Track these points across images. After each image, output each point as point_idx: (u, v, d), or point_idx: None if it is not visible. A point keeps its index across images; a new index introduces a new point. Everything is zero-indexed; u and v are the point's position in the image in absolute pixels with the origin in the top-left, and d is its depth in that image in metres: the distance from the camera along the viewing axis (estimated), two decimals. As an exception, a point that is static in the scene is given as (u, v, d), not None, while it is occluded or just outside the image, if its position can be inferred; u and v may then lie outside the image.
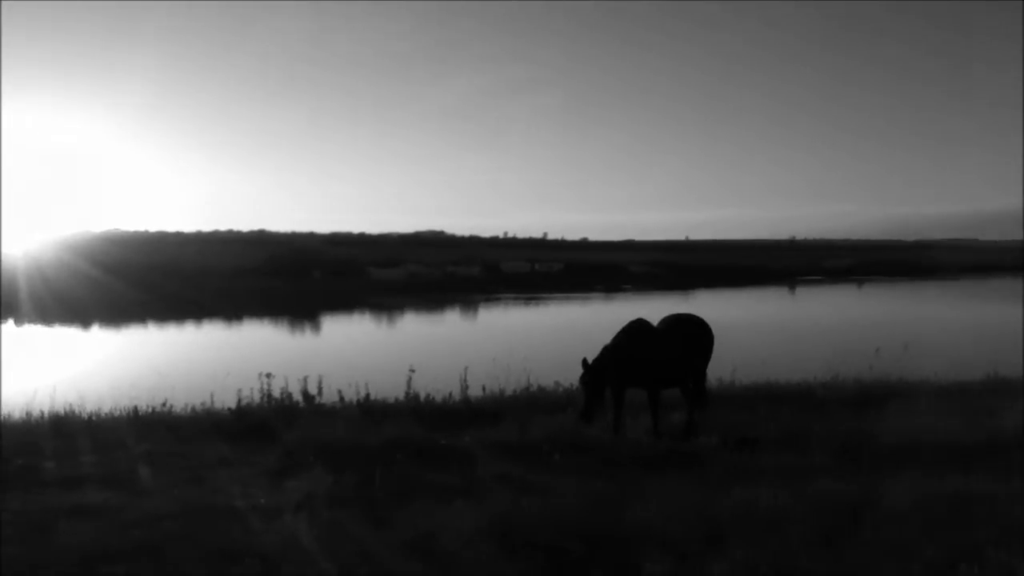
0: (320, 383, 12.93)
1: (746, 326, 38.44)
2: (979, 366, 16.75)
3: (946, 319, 44.66)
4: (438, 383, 13.77)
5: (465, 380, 13.49)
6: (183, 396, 13.73)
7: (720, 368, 14.21)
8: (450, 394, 13.44)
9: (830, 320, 44.94)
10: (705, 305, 59.82)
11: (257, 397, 12.72)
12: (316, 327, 45.95)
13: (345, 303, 60.03)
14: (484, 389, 13.68)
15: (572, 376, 11.11)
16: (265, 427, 10.93)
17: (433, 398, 13.15)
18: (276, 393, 12.74)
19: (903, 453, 8.51)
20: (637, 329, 10.75)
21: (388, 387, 13.56)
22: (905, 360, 16.83)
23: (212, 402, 13.07)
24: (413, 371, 13.03)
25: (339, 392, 12.90)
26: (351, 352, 31.14)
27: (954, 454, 8.55)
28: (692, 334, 11.28)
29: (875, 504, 6.67)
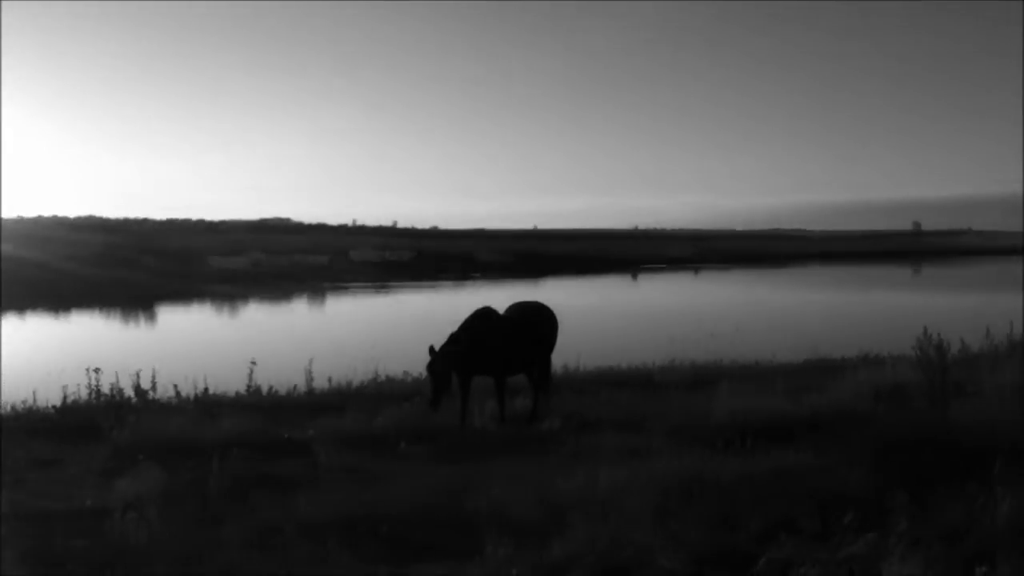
0: (154, 378, 12.31)
1: (591, 313, 39.53)
2: (802, 348, 17.95)
3: (775, 304, 47.47)
4: (282, 375, 13.45)
5: (310, 372, 13.23)
6: (2, 394, 12.78)
7: (565, 354, 14.57)
8: (295, 386, 13.14)
9: (670, 306, 46.86)
10: (553, 293, 61.10)
11: (84, 394, 12.04)
12: (151, 319, 43.73)
13: (183, 293, 57.36)
14: (330, 380, 13.47)
15: (420, 365, 11.11)
16: (93, 425, 10.33)
17: (276, 391, 12.82)
18: (105, 389, 12.08)
19: (732, 431, 8.97)
20: (483, 317, 10.86)
21: (229, 381, 13.12)
22: (736, 343, 17.84)
23: (35, 400, 12.24)
24: (255, 364, 12.66)
25: (175, 387, 12.35)
26: (189, 345, 29.78)
27: (778, 430, 9.10)
28: (537, 321, 11.51)
29: (705, 480, 7.03)
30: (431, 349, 10.28)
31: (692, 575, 5.34)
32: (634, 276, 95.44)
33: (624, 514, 6.12)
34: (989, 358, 13.21)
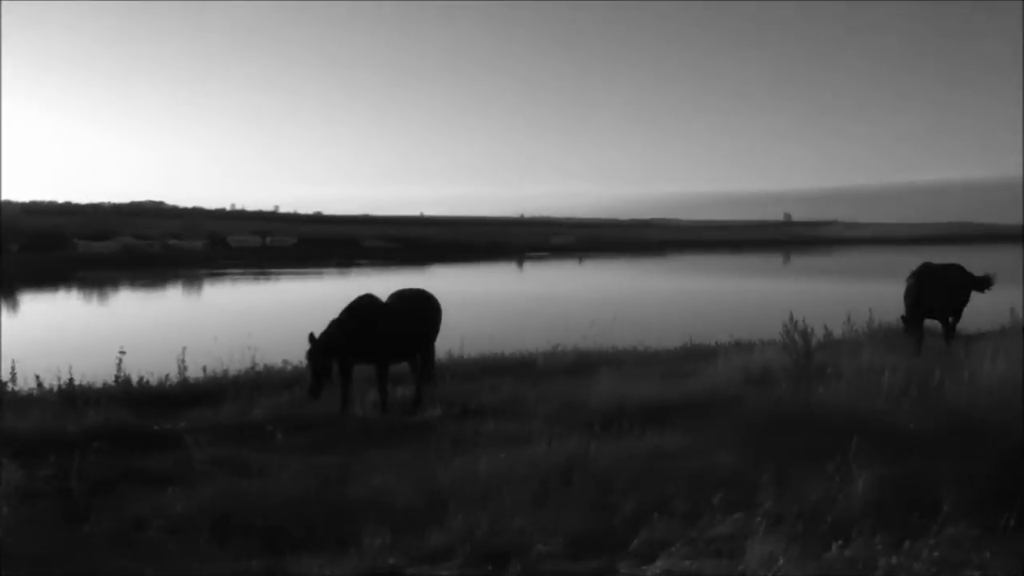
0: (13, 368, 11.64)
1: (477, 300, 39.62)
2: (679, 333, 18.50)
3: (655, 291, 48.75)
4: (154, 365, 12.89)
5: (183, 361, 12.74)
6: None
7: (449, 341, 14.56)
8: (167, 376, 12.62)
9: (554, 293, 47.45)
10: (438, 280, 60.93)
11: (-65, 386, 11.24)
12: (12, 306, 41.24)
13: (48, 279, 54.36)
14: (205, 370, 13.00)
15: (300, 353, 10.87)
16: (-57, 420, 9.66)
17: (147, 381, 12.27)
18: (-41, 381, 11.34)
19: (611, 415, 9.17)
20: (365, 304, 10.72)
21: (96, 371, 12.45)
22: (616, 330, 18.21)
23: None
24: (124, 353, 12.08)
25: (37, 378, 11.68)
26: (53, 333, 28.28)
27: (654, 414, 9.36)
28: (420, 308, 11.46)
29: (584, 464, 7.15)
30: (311, 336, 10.08)
31: (569, 558, 5.43)
32: (520, 263, 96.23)
33: (504, 500, 6.16)
34: (850, 343, 13.98)
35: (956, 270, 15.81)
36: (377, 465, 7.59)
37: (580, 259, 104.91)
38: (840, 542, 5.25)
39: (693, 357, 14.86)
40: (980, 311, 16.74)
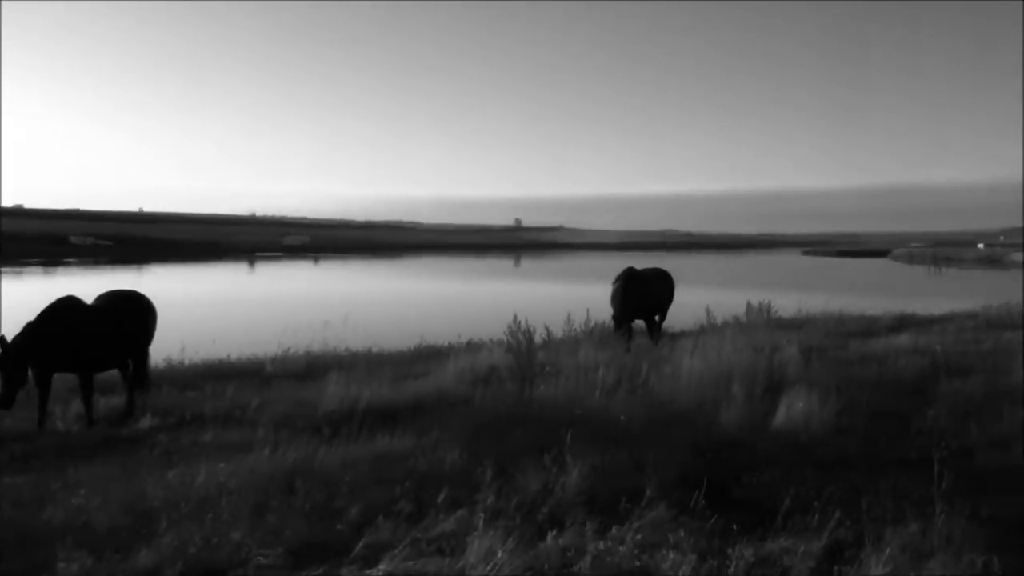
0: None
1: (201, 303, 37.59)
2: (411, 335, 18.68)
3: (389, 293, 48.88)
4: None
5: None
6: None
7: (168, 346, 13.70)
8: None
9: (287, 295, 46.13)
10: (157, 281, 57.12)
11: None
12: None
13: None
14: None
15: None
16: None
17: None
18: None
19: (341, 418, 9.05)
20: (65, 306, 9.75)
21: None
22: (350, 332, 18.06)
23: None
24: None
25: None
26: None
27: (385, 416, 9.38)
28: (130, 311, 10.64)
29: (310, 470, 6.99)
30: (2, 341, 9.01)
31: (290, 568, 5.27)
32: (251, 264, 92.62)
33: (221, 513, 5.87)
34: (569, 342, 14.84)
35: (658, 273, 17.32)
36: (79, 483, 6.92)
37: (315, 260, 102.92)
38: (555, 531, 5.55)
39: (425, 358, 15.06)
40: (682, 311, 18.48)
